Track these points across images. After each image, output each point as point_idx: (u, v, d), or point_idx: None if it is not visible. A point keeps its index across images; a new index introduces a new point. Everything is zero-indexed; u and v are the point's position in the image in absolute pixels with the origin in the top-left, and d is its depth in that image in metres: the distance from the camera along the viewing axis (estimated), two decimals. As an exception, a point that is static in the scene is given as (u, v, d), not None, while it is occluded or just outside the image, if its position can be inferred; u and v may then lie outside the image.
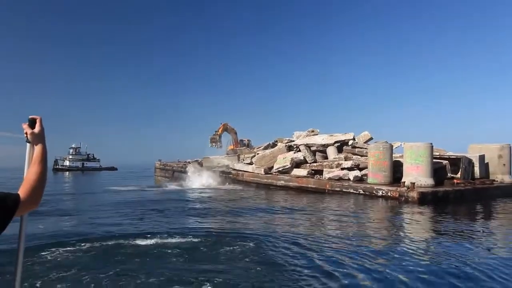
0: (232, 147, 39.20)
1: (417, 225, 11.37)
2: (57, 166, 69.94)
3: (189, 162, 39.09)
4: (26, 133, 1.66)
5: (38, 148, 1.63)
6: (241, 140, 41.31)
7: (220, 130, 39.98)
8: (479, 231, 10.39)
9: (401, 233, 10.11)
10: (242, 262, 6.77)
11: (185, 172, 34.71)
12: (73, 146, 74.45)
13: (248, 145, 40.02)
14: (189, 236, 8.87)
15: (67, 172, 63.90)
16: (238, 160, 30.67)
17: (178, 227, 10.46)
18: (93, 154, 76.27)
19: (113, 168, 76.40)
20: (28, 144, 1.66)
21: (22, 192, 1.51)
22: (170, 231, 9.57)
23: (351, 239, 8.86)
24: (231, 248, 7.76)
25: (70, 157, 72.61)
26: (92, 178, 47.07)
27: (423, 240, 9.03)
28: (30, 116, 1.68)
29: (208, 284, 5.54)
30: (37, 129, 1.66)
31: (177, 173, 37.07)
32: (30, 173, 1.57)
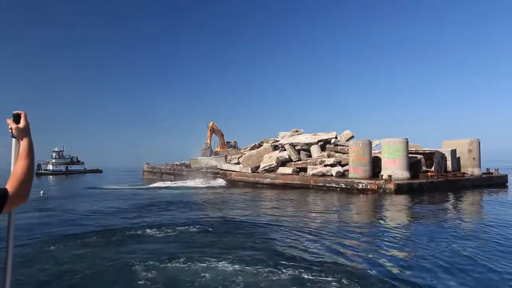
0: (219, 148, 40.22)
1: (392, 211, 12.74)
2: (40, 171, 69.16)
3: (177, 165, 40.04)
4: (11, 129, 1.66)
5: (24, 143, 1.62)
6: (228, 142, 42.39)
7: (208, 138, 40.95)
8: (445, 215, 11.81)
9: (378, 217, 11.45)
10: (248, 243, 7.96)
11: (173, 174, 35.79)
12: (56, 149, 73.68)
13: (235, 146, 41.18)
14: (197, 225, 10.00)
15: (51, 176, 62.67)
16: (225, 160, 31.77)
17: (188, 218, 11.56)
18: (76, 157, 76.18)
19: (98, 171, 76.42)
20: (13, 140, 1.66)
21: (10, 186, 1.49)
22: (187, 221, 10.68)
23: (333, 223, 10.11)
24: (236, 232, 8.94)
25: (53, 161, 72.01)
26: (77, 180, 47.16)
27: (396, 223, 10.37)
28: (15, 112, 1.68)
29: (227, 257, 6.69)
30: (22, 124, 1.65)
31: (165, 175, 37.92)
32: (17, 167, 1.56)
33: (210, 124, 41.72)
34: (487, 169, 23.94)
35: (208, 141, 40.99)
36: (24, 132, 1.64)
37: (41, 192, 23.56)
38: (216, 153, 34.01)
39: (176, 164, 40.70)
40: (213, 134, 41.41)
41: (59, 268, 6.21)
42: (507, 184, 22.03)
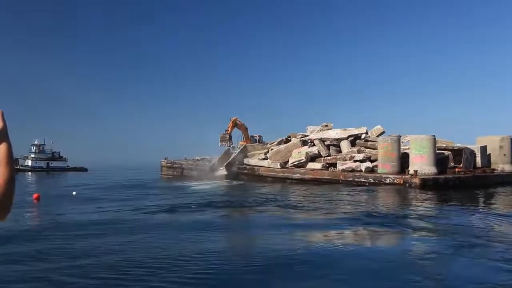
0: (242, 143, 44.54)
1: (416, 205, 16.85)
2: (18, 166, 66.95)
3: (198, 160, 44.67)
4: None
5: (2, 148, 1.48)
6: (252, 136, 46.65)
7: (230, 128, 45.11)
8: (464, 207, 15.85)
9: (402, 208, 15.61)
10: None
11: (195, 170, 40.40)
12: (35, 142, 72.79)
13: (260, 141, 45.43)
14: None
15: (30, 173, 63.27)
16: (244, 156, 36.02)
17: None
18: (59, 152, 75.45)
19: (82, 169, 75.03)
20: None
21: None
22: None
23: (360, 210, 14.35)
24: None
25: (33, 155, 71.44)
26: (58, 180, 49.98)
27: (419, 210, 14.53)
28: None
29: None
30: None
31: (186, 171, 42.58)
32: None
33: (233, 118, 46.04)
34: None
35: (229, 129, 45.28)
36: (2, 135, 1.49)
37: (74, 192, 27.76)
38: (245, 149, 38.21)
39: (197, 159, 45.33)
40: (236, 128, 45.67)
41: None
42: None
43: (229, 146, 43.22)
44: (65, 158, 75.94)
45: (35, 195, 21.13)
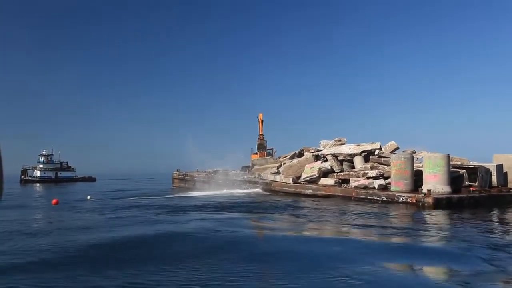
0: (255, 156, 45.11)
1: (431, 229, 16.93)
2: (26, 177, 70.28)
3: (210, 172, 45.14)
4: None
5: None
6: (267, 149, 47.23)
7: (260, 126, 46.60)
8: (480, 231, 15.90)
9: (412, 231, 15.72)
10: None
11: (208, 182, 40.97)
12: (43, 153, 73.84)
13: (272, 154, 45.85)
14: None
15: (38, 184, 64.68)
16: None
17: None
18: (67, 162, 76.52)
19: (91, 179, 77.81)
20: None
21: None
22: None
23: (371, 230, 14.53)
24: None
25: (41, 166, 72.31)
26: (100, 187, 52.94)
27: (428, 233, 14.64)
28: None
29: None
30: None
31: (199, 183, 43.04)
32: None
33: (260, 115, 47.33)
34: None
35: (261, 132, 46.47)
36: None
37: (88, 196, 29.10)
38: (260, 162, 39.07)
39: (209, 172, 45.80)
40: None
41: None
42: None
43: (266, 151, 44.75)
44: (73, 168, 76.99)
45: (54, 201, 23.44)
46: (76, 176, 75.87)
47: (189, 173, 46.93)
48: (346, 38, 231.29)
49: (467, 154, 34.54)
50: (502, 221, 18.43)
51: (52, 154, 74.73)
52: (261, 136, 45.68)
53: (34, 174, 71.54)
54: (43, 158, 73.13)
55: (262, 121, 46.67)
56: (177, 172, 48.99)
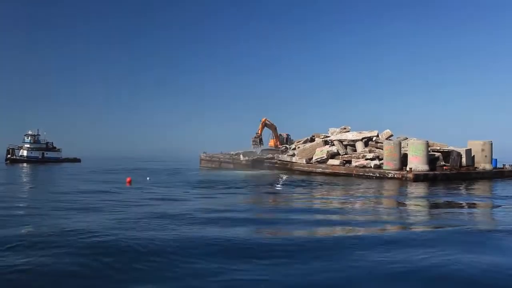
0: (273, 141, 52.10)
1: (410, 194, 24.21)
2: (14, 157, 70.18)
3: (233, 154, 52.44)
4: None
5: None
6: (280, 135, 54.13)
7: (260, 130, 52.41)
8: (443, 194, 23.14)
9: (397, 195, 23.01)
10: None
11: (233, 163, 48.43)
12: (29, 133, 73.29)
13: (287, 139, 52.91)
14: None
15: (25, 164, 65.91)
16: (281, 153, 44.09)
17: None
18: (52, 143, 76.44)
19: (76, 160, 78.25)
20: None
21: None
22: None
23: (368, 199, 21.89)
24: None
25: (28, 146, 71.92)
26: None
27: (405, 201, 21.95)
28: None
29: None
30: None
31: (224, 163, 50.53)
32: None
33: (263, 119, 53.43)
34: (503, 165, 34.43)
35: (259, 132, 52.60)
36: None
37: (148, 178, 35.76)
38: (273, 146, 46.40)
39: (232, 154, 53.14)
40: (266, 128, 53.04)
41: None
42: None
43: (260, 147, 50.86)
44: (59, 149, 77.15)
45: (128, 179, 29.62)
46: (61, 157, 76.52)
47: (215, 155, 54.31)
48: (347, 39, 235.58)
49: (452, 141, 41.71)
50: (454, 189, 25.52)
51: (38, 134, 74.71)
52: (257, 135, 50.78)
53: (20, 154, 71.41)
54: (29, 138, 72.92)
55: (264, 124, 51.47)
56: (204, 154, 56.35)
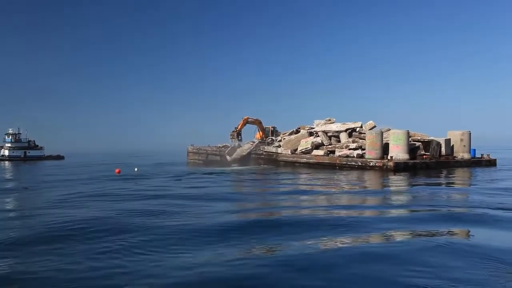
0: (259, 134, 52.63)
1: (390, 181, 24.98)
2: None
3: (220, 147, 52.91)
4: None
5: None
6: (266, 128, 54.63)
7: (240, 126, 52.70)
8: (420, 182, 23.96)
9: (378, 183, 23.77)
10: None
11: (219, 155, 48.89)
12: (10, 131, 73.46)
13: (273, 132, 53.50)
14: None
15: (7, 162, 65.66)
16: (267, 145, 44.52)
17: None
18: (34, 141, 76.68)
19: (59, 157, 78.16)
20: None
21: None
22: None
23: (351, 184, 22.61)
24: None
25: (9, 145, 72.19)
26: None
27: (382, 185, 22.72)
28: None
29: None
30: None
31: (211, 156, 51.01)
32: None
33: (244, 117, 53.89)
34: (481, 154, 35.49)
35: (239, 127, 53.06)
36: None
37: (135, 168, 36.47)
38: (258, 140, 46.92)
39: (219, 146, 53.62)
40: (251, 124, 53.48)
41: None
42: (496, 166, 33.55)
43: (238, 141, 51.21)
44: (41, 147, 77.39)
45: (117, 170, 30.52)
46: (44, 155, 76.60)
47: (202, 147, 54.74)
48: (347, 35, 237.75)
49: (433, 132, 42.68)
50: (432, 176, 26.41)
51: (19, 133, 74.80)
52: (235, 129, 50.94)
53: (2, 153, 71.50)
54: (10, 137, 72.95)
55: (246, 122, 51.55)
56: (191, 147, 56.72)
